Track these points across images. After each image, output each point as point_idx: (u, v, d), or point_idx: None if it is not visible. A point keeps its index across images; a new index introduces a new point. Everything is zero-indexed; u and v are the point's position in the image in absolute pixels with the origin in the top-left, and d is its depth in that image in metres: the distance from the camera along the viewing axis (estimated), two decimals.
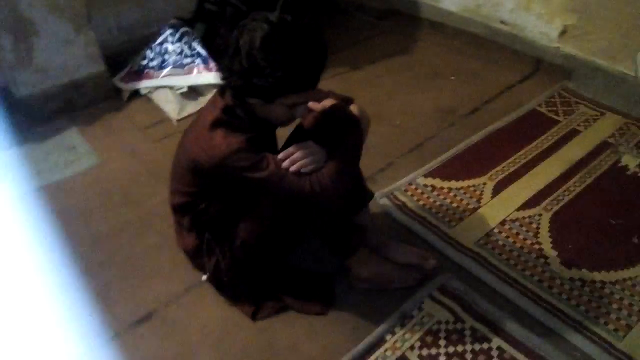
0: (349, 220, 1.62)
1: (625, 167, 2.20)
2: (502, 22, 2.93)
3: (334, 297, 1.70)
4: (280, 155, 1.39)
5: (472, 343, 1.56)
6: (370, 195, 1.77)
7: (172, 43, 2.70)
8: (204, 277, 1.68)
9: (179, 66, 2.69)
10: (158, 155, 2.35)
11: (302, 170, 1.38)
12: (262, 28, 1.27)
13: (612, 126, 2.43)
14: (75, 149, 2.39)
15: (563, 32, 2.68)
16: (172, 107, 2.60)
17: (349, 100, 1.61)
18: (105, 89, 2.68)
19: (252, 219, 1.53)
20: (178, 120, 2.54)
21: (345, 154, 1.45)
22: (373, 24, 3.43)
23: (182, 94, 2.64)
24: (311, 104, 1.49)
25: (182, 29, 2.70)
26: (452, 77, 2.85)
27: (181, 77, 2.68)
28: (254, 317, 1.65)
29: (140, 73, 2.73)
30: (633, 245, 1.85)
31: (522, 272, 1.77)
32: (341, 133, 1.48)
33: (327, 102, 1.57)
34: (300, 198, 1.40)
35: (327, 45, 1.34)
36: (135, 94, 2.72)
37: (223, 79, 1.39)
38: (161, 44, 2.71)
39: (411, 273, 1.72)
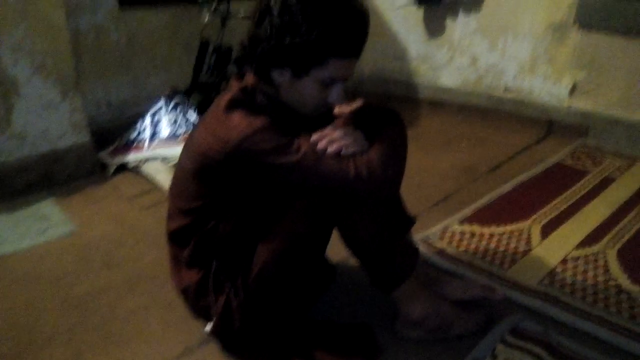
0: (396, 237, 1.28)
1: None
2: (506, 89, 2.87)
3: (378, 349, 1.30)
4: (314, 137, 1.12)
5: None
6: (411, 221, 1.46)
7: (167, 113, 2.52)
8: (208, 327, 1.28)
9: (172, 137, 2.49)
10: (146, 221, 2.03)
11: (344, 152, 1.10)
12: None
13: None
14: (49, 218, 2.05)
15: (573, 90, 2.61)
16: (164, 177, 2.33)
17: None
18: (89, 162, 2.41)
19: (274, 238, 1.20)
20: None
21: (393, 138, 1.18)
22: None
23: (174, 164, 2.39)
24: (338, 110, 1.27)
25: (177, 99, 2.55)
26: (464, 143, 2.69)
27: (175, 148, 2.45)
28: None
29: (129, 146, 2.50)
30: None
31: (607, 310, 1.42)
32: (380, 124, 1.23)
33: (356, 103, 1.35)
34: (342, 188, 1.10)
35: (368, 11, 1.15)
36: (122, 167, 2.46)
37: (245, 53, 1.16)
38: (154, 114, 2.52)
39: (473, 315, 1.36)
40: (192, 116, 2.51)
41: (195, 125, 1.29)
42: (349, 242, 1.25)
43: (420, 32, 3.17)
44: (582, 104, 2.60)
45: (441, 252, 1.71)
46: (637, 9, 2.26)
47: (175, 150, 2.44)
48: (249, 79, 1.19)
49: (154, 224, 1.99)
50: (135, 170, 2.44)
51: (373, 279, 1.28)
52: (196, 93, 2.61)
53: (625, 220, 1.86)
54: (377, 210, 1.20)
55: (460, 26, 2.99)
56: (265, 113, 1.14)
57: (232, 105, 1.13)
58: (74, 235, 1.95)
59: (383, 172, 1.09)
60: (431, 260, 1.66)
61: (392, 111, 1.28)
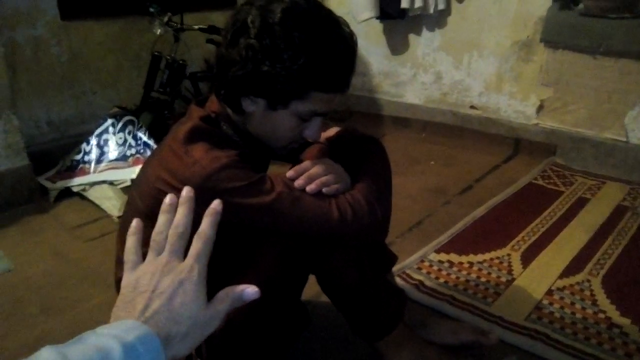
0: (381, 282, 1.14)
1: None
2: (472, 107, 2.81)
3: None
4: (290, 173, 0.97)
5: None
6: (393, 258, 1.32)
7: (114, 134, 2.30)
8: None
9: (122, 158, 2.27)
10: (93, 256, 1.82)
11: (325, 190, 0.96)
12: (281, 1, 0.93)
13: (620, 192, 2.22)
14: None
15: (540, 108, 2.57)
16: (112, 204, 2.12)
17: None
18: (27, 188, 2.18)
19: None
20: (119, 217, 2.05)
21: (377, 172, 1.05)
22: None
23: (124, 188, 2.18)
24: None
25: (126, 118, 2.33)
26: (432, 162, 2.60)
27: (124, 170, 2.25)
28: None
29: (73, 169, 2.27)
30: None
31: (601, 347, 1.33)
32: (361, 155, 1.10)
33: (331, 131, 1.22)
34: (323, 233, 0.96)
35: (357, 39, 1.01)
36: (65, 193, 2.23)
37: (210, 75, 1.00)
38: (100, 135, 2.30)
39: None
40: (143, 136, 2.30)
41: (147, 159, 1.11)
42: (328, 288, 1.10)
43: (383, 48, 3.09)
44: (549, 122, 2.57)
45: (420, 286, 1.59)
46: (602, 27, 2.24)
47: (125, 173, 2.23)
48: (213, 105, 1.04)
49: (101, 259, 1.79)
50: (80, 196, 2.22)
51: (355, 328, 1.14)
52: (147, 113, 2.41)
53: (605, 245, 1.80)
54: (359, 252, 1.06)
55: (423, 42, 2.92)
56: (231, 146, 0.99)
57: (192, 137, 0.97)
58: (9, 274, 1.72)
59: (370, 212, 0.96)
60: (410, 296, 1.54)
61: (371, 138, 1.16)
